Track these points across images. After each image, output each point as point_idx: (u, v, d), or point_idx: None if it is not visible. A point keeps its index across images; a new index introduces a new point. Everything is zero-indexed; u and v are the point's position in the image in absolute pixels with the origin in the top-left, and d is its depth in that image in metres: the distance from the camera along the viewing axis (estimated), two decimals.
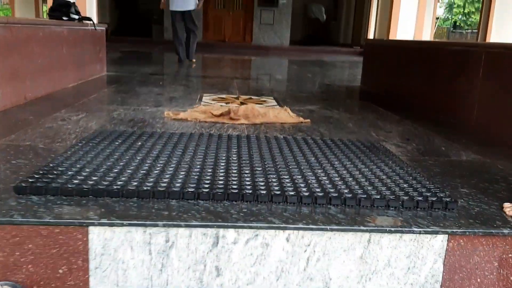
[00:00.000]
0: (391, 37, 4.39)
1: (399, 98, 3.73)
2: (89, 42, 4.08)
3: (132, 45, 12.43)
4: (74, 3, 3.94)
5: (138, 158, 1.64)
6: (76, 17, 3.84)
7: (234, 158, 1.71)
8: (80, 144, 1.80)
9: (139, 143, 1.86)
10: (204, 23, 14.71)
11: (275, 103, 3.40)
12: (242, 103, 3.29)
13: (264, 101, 3.48)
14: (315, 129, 2.50)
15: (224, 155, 1.74)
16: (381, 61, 4.33)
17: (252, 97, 3.65)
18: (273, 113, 2.80)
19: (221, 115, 2.70)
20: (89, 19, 3.96)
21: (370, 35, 13.85)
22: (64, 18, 3.71)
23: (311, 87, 4.51)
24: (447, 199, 1.35)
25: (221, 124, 2.50)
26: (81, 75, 3.90)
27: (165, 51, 11.89)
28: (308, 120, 2.71)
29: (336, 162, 1.72)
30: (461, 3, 35.12)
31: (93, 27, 4.00)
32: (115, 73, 4.75)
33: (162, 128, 2.33)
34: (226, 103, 3.27)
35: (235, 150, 1.82)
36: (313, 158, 1.76)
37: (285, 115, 2.81)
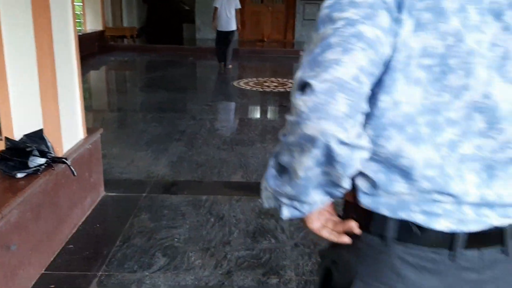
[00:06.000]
0: None
1: None
2: (69, 182, 2.72)
3: (161, 56, 11.06)
4: (41, 131, 2.56)
5: None
6: (43, 161, 2.46)
7: None
8: None
9: None
10: (241, 20, 13.02)
11: None
12: None
13: None
14: None
15: None
16: None
17: None
18: None
19: None
20: (63, 162, 2.57)
21: None
22: (19, 175, 2.34)
23: None
24: None
25: None
26: (54, 247, 2.57)
27: (198, 59, 10.72)
28: None
29: None
30: None
31: (71, 171, 2.61)
32: (115, 194, 3.39)
33: None
34: None
35: None
36: None
37: None
